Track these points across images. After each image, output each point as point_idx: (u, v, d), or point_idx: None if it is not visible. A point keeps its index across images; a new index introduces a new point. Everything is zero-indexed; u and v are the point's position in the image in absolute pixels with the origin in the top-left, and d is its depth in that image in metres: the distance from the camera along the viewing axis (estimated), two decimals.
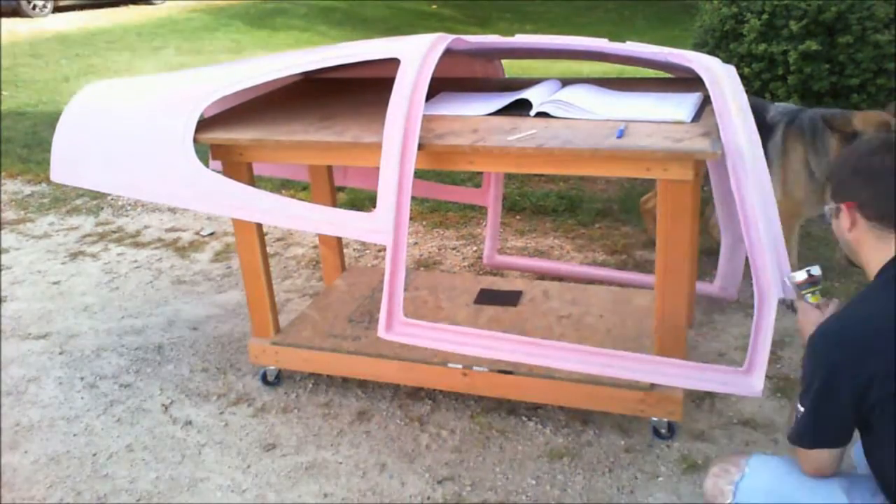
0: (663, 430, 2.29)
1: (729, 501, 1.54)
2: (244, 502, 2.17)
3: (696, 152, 1.89)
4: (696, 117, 2.11)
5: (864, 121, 2.64)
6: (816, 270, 1.69)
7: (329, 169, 2.95)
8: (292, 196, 4.34)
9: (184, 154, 2.19)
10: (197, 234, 4.04)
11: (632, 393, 2.21)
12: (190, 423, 2.53)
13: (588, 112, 2.16)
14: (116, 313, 3.27)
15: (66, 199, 4.64)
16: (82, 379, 2.81)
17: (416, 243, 3.77)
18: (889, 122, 2.60)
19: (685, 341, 2.21)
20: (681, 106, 2.17)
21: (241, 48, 9.45)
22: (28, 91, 7.49)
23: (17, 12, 12.08)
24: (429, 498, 2.15)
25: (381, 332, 2.11)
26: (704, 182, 2.86)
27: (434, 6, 11.94)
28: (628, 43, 2.20)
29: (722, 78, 2.03)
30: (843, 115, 2.71)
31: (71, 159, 2.40)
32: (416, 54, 2.13)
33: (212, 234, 4.02)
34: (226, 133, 2.31)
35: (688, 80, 2.48)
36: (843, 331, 1.38)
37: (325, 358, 2.55)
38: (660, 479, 2.16)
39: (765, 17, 3.71)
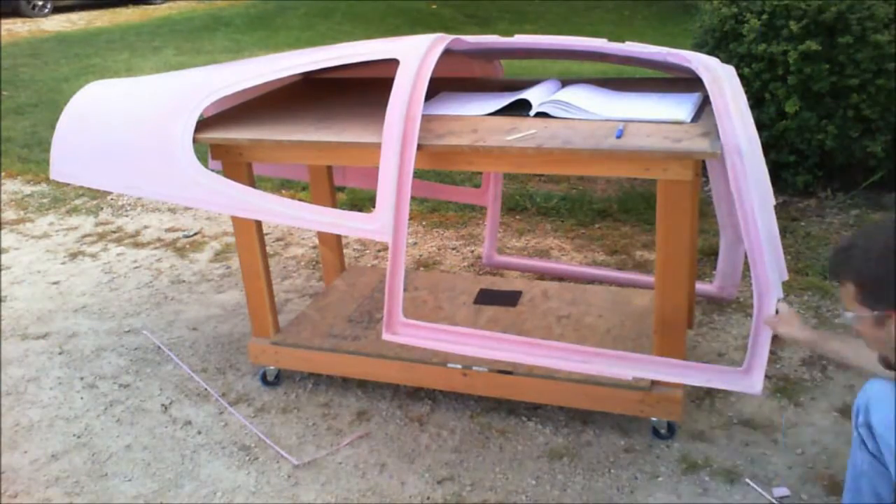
0: (663, 431, 2.29)
1: None
2: (244, 502, 2.18)
3: (695, 152, 1.89)
4: (696, 117, 2.11)
5: None
6: None
7: (329, 169, 2.96)
8: (292, 196, 4.35)
9: (183, 154, 2.19)
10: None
11: (632, 393, 2.21)
12: (189, 423, 2.53)
13: (587, 112, 2.16)
14: (116, 313, 3.27)
15: (65, 199, 4.64)
16: (82, 379, 2.81)
17: (415, 243, 3.77)
18: None
19: (685, 341, 2.21)
20: (680, 106, 2.17)
21: (241, 48, 9.44)
22: (28, 91, 7.48)
23: (16, 12, 12.08)
24: (429, 498, 2.15)
25: (383, 333, 2.11)
26: (705, 182, 2.86)
27: (434, 6, 11.93)
28: (628, 43, 2.20)
29: (721, 78, 2.02)
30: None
31: (71, 158, 2.40)
32: (415, 54, 2.13)
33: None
34: (226, 133, 2.31)
35: (688, 80, 2.48)
36: None
37: (325, 358, 2.55)
38: (660, 479, 2.16)
39: (765, 17, 3.71)
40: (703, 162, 2.95)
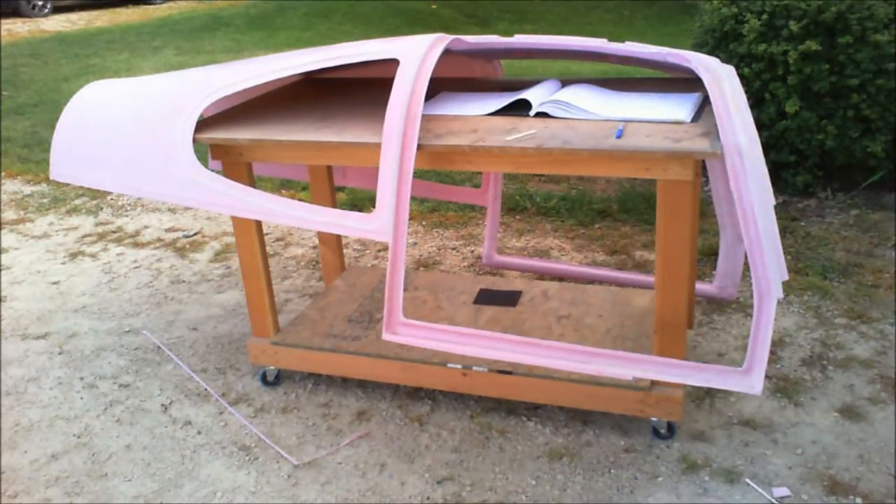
0: (663, 431, 2.29)
1: None
2: (244, 502, 2.18)
3: (695, 152, 1.89)
4: (696, 117, 2.11)
5: None
6: None
7: (329, 169, 2.96)
8: (292, 196, 4.36)
9: (183, 154, 2.19)
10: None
11: (632, 393, 2.21)
12: (189, 423, 2.53)
13: (587, 112, 2.17)
14: (116, 313, 3.27)
15: (65, 199, 4.64)
16: (82, 379, 2.81)
17: (415, 243, 3.77)
18: None
19: (685, 341, 2.21)
20: (680, 106, 2.17)
21: (241, 48, 9.45)
22: (28, 91, 7.49)
23: (16, 12, 12.09)
24: (428, 498, 2.15)
25: (383, 333, 2.11)
26: (705, 182, 2.86)
27: (434, 6, 11.94)
28: (627, 43, 2.20)
29: (721, 78, 2.02)
30: None
31: (71, 157, 2.40)
32: (415, 54, 2.13)
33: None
34: (225, 133, 2.31)
35: (688, 80, 2.48)
36: None
37: (325, 358, 2.55)
38: (659, 479, 2.16)
39: (765, 17, 3.71)
40: (703, 162, 2.95)
